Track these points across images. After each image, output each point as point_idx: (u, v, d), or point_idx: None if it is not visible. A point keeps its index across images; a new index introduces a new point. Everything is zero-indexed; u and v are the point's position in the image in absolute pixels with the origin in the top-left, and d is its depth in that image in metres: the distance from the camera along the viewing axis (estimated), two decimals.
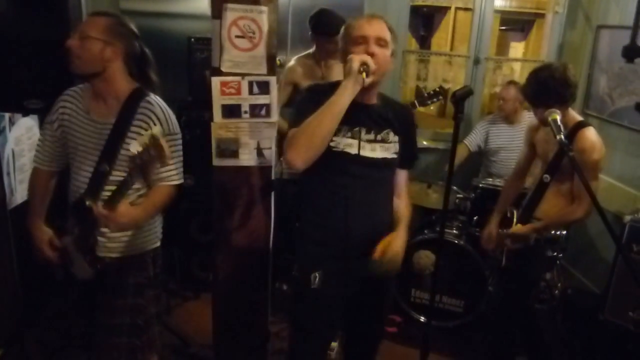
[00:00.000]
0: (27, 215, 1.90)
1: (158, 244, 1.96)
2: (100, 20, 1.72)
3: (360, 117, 1.70)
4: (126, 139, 1.73)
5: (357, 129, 1.70)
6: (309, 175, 1.72)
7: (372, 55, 1.61)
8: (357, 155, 1.70)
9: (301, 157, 1.60)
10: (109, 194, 1.70)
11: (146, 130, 1.68)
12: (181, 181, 1.85)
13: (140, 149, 1.58)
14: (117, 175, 1.75)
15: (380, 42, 1.65)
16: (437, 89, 3.10)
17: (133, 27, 1.79)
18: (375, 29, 1.66)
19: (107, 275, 1.84)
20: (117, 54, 1.74)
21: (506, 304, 2.54)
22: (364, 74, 1.57)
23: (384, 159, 1.74)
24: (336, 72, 2.83)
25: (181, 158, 1.85)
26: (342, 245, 1.74)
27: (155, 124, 1.72)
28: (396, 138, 1.76)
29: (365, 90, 1.64)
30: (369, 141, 1.72)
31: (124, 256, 1.85)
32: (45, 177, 1.90)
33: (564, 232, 2.08)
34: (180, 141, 1.84)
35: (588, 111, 3.44)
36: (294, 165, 1.61)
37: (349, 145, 1.69)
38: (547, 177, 2.26)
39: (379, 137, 1.74)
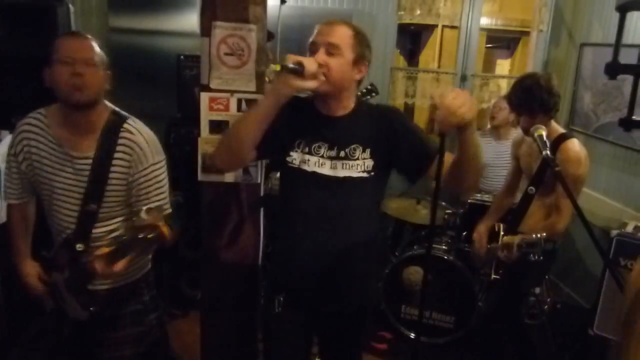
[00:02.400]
0: (10, 253, 1.77)
1: (149, 266, 1.87)
2: (92, 43, 1.58)
3: (321, 131, 1.57)
4: (110, 175, 1.61)
5: (316, 144, 1.56)
6: (281, 191, 1.67)
7: (319, 65, 1.45)
8: (314, 174, 1.55)
9: (221, 157, 1.61)
10: (98, 231, 1.63)
11: (129, 163, 1.61)
12: (169, 211, 1.71)
13: (138, 234, 1.42)
14: (106, 211, 1.64)
15: (331, 49, 1.48)
16: (369, 87, 2.83)
17: None
18: (326, 34, 1.50)
19: (103, 309, 1.71)
20: (108, 78, 1.63)
21: (497, 319, 2.53)
22: (282, 71, 1.40)
23: (347, 179, 1.55)
24: None
25: (167, 185, 1.72)
26: (301, 271, 1.61)
27: (138, 164, 1.61)
28: (367, 154, 1.56)
29: (325, 100, 1.55)
30: (330, 158, 1.55)
31: (118, 287, 1.74)
32: (21, 210, 1.76)
33: (540, 235, 2.09)
34: (165, 165, 1.71)
35: (573, 127, 3.49)
36: (217, 165, 1.69)
37: (305, 161, 1.56)
38: (532, 189, 2.27)
39: (341, 154, 1.55)
